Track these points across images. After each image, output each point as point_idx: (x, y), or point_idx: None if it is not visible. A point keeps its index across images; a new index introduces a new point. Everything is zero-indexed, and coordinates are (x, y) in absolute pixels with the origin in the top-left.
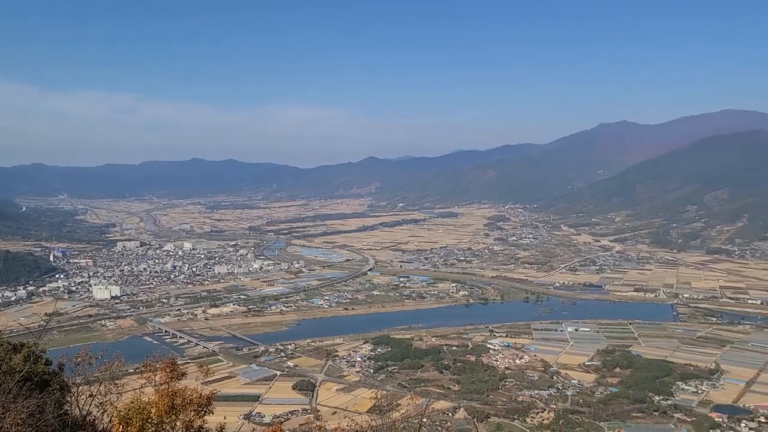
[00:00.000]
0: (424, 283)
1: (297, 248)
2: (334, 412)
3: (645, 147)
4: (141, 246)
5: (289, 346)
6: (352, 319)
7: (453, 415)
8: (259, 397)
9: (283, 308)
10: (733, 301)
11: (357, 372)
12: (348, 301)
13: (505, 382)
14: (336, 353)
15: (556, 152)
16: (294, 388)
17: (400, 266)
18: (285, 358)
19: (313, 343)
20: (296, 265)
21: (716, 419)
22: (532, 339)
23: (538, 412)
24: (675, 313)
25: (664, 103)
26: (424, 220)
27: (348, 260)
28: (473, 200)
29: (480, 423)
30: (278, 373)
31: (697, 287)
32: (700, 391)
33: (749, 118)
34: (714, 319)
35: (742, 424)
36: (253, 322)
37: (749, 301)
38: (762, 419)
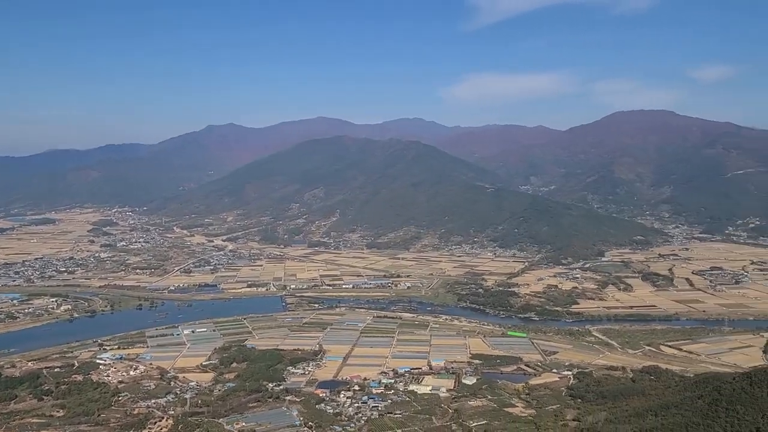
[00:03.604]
0: (15, 302)
1: None
2: None
3: (251, 149)
4: None
5: None
6: None
7: None
8: None
9: None
10: (331, 288)
11: None
12: None
13: (119, 397)
14: None
15: (166, 153)
16: None
17: None
18: None
19: None
20: None
21: (321, 395)
22: (147, 347)
23: (156, 422)
24: (284, 304)
25: (267, 108)
26: (12, 228)
27: None
28: (75, 204)
29: None
30: None
31: (302, 278)
32: (307, 372)
33: (337, 125)
34: (317, 305)
35: (341, 395)
36: None
37: (344, 286)
38: (356, 387)
